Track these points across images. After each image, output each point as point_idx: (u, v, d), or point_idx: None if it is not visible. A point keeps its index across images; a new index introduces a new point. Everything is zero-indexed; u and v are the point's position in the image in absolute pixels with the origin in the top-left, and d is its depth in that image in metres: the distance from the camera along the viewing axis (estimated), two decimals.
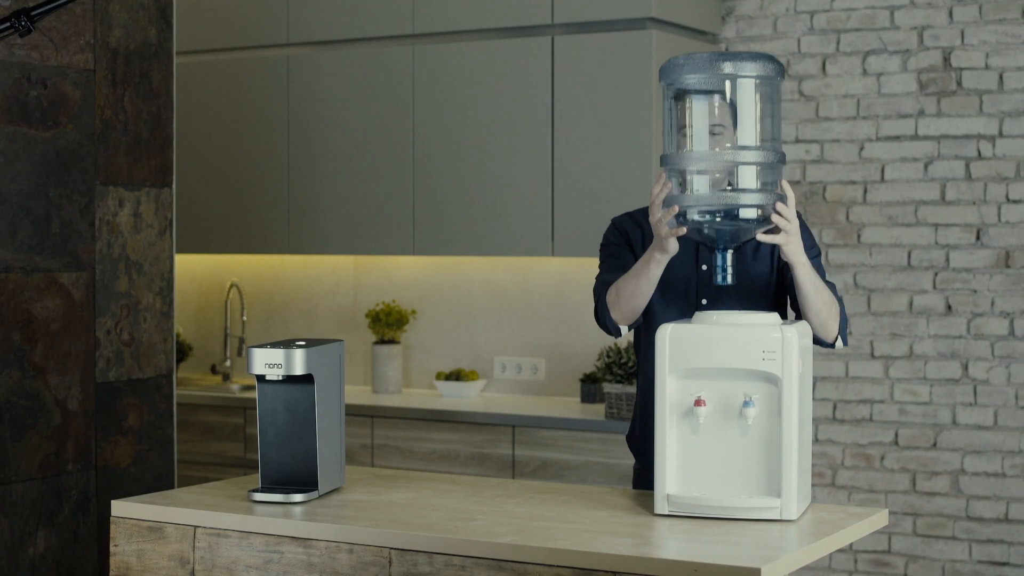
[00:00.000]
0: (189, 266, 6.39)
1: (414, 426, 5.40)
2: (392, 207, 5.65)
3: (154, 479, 4.35)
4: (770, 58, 3.02)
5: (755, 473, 2.92)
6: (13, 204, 3.94)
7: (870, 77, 5.33)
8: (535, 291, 5.70)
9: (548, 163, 5.34)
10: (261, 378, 3.19)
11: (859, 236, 5.36)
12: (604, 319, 3.32)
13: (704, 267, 3.30)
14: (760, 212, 3.00)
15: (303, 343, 3.17)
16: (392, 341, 5.84)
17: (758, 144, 3.00)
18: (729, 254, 3.04)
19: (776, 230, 3.05)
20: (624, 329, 3.33)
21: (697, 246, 3.29)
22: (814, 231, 5.35)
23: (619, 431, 5.01)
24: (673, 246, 3.11)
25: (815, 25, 5.42)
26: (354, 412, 5.43)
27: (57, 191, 4.06)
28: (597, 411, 5.28)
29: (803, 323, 3.05)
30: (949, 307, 5.23)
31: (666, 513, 2.95)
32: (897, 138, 5.30)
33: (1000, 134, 5.15)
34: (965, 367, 5.21)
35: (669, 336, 2.95)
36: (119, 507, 3.17)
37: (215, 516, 3.05)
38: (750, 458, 2.92)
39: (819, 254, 3.35)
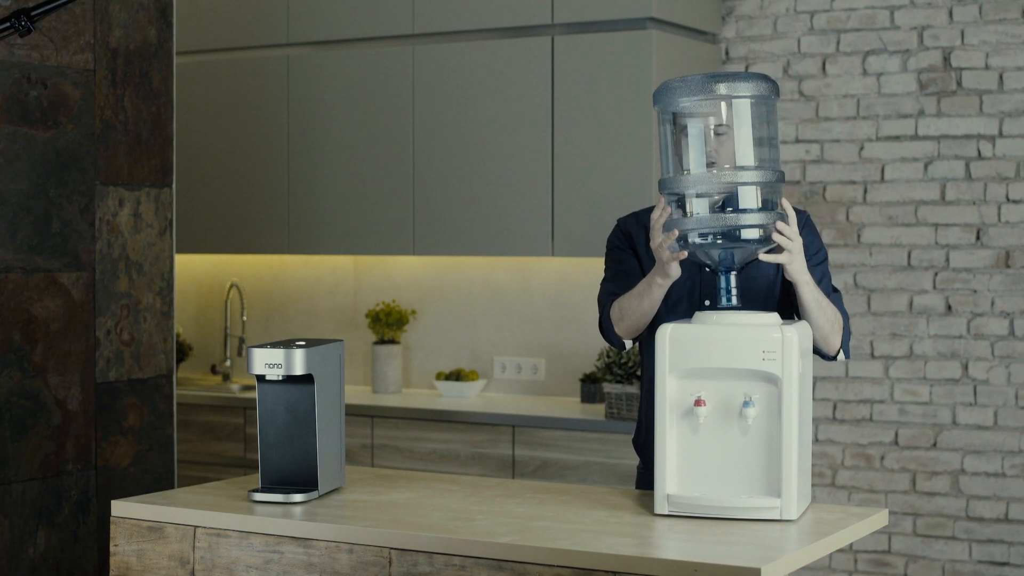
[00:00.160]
0: (189, 266, 6.39)
1: (414, 426, 5.40)
2: (392, 207, 5.65)
3: (154, 479, 4.35)
4: (764, 77, 3.01)
5: (755, 473, 2.92)
6: (13, 204, 3.94)
7: (870, 77, 5.33)
8: (535, 291, 5.70)
9: (548, 163, 5.34)
10: (261, 378, 3.19)
11: (859, 236, 5.36)
12: (608, 334, 3.34)
13: (708, 268, 3.30)
14: (761, 232, 2.99)
15: (303, 343, 3.17)
16: (392, 341, 5.84)
17: (756, 164, 2.99)
18: (733, 276, 3.03)
19: (778, 249, 3.05)
20: (628, 343, 3.35)
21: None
22: None
23: (619, 431, 5.01)
24: (675, 271, 3.10)
25: (815, 25, 5.42)
26: (354, 412, 5.43)
27: (57, 191, 4.06)
28: (597, 411, 5.28)
29: (803, 323, 3.05)
30: (949, 307, 5.23)
31: (666, 513, 2.95)
32: (897, 138, 5.30)
33: (1000, 134, 5.15)
34: (965, 367, 5.21)
35: (669, 336, 2.95)
36: (119, 507, 3.17)
37: (215, 516, 3.05)
38: (750, 458, 2.92)
39: (826, 258, 3.34)
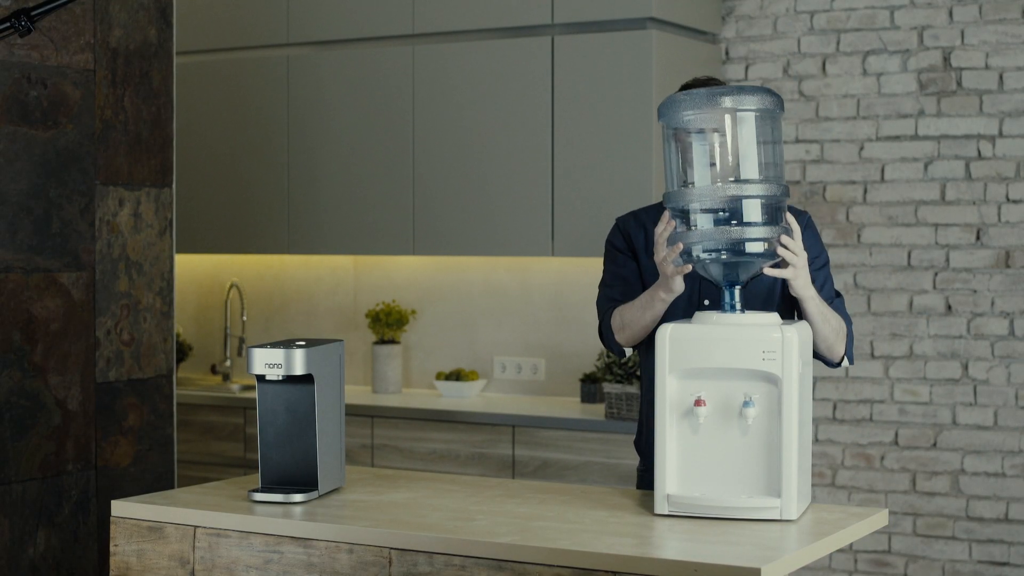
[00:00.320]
0: (189, 266, 6.39)
1: (414, 426, 5.40)
2: (392, 207, 5.65)
3: (154, 479, 4.35)
4: (769, 91, 3.00)
5: (755, 473, 2.92)
6: (13, 204, 3.94)
7: (870, 77, 5.33)
8: (535, 291, 5.70)
9: (548, 163, 5.34)
10: (261, 378, 3.19)
11: (859, 236, 5.36)
12: (608, 341, 3.34)
13: (714, 284, 3.29)
14: (766, 246, 2.98)
15: (303, 343, 3.17)
16: (392, 341, 5.84)
17: (761, 178, 2.98)
18: (737, 290, 3.02)
19: (783, 264, 3.04)
20: (628, 351, 3.35)
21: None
22: None
23: (619, 431, 5.01)
24: (679, 285, 3.10)
25: (815, 25, 5.42)
26: (354, 412, 5.43)
27: (57, 191, 4.06)
28: (597, 411, 5.28)
29: (803, 323, 3.05)
30: (949, 307, 5.23)
31: (666, 513, 2.95)
32: (897, 138, 5.30)
33: (1000, 134, 5.15)
34: (965, 367, 5.21)
35: (669, 336, 2.95)
36: (119, 507, 3.17)
37: (215, 516, 3.05)
38: (750, 458, 2.93)
39: (827, 262, 3.34)
